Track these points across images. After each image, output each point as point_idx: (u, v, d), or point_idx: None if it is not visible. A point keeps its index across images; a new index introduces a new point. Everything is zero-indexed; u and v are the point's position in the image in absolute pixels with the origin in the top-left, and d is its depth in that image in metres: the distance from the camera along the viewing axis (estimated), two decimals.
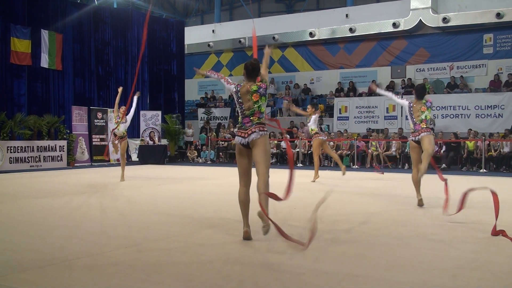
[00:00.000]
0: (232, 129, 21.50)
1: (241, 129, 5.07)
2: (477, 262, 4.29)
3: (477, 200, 8.53)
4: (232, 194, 9.02)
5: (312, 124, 11.83)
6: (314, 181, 11.47)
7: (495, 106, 17.88)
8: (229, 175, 13.24)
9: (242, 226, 5.13)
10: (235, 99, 5.16)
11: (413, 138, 7.56)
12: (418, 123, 7.59)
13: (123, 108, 11.53)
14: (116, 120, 11.42)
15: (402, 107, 7.87)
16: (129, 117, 11.73)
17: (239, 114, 5.14)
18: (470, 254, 4.54)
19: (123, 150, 11.75)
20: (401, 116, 19.49)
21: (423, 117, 7.61)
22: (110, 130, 18.96)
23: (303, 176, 11.97)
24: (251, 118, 5.05)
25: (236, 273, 3.91)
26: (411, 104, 7.69)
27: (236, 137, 5.11)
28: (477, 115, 18.18)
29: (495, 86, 19.22)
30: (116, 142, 11.50)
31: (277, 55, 25.49)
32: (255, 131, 4.99)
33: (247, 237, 5.05)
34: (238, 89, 5.12)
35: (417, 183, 7.55)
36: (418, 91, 7.76)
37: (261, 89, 5.06)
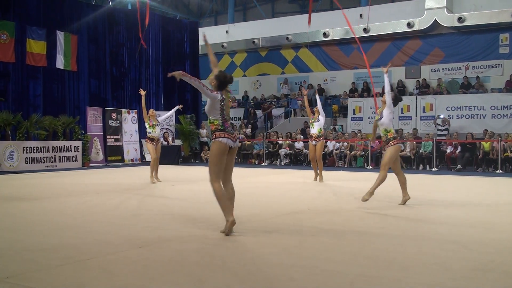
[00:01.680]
0: (244, 130, 21.53)
1: (227, 132, 5.49)
2: (493, 263, 4.24)
3: (489, 200, 8.45)
4: (245, 195, 9.04)
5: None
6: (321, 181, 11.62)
7: (511, 107, 17.68)
8: (242, 176, 13.24)
9: (226, 220, 5.33)
10: (218, 106, 5.49)
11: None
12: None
13: (152, 111, 11.66)
14: (151, 124, 11.48)
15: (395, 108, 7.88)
16: (161, 119, 11.97)
17: (219, 119, 5.51)
18: (486, 256, 4.49)
19: (158, 152, 11.75)
20: (415, 116, 19.37)
21: None
22: (123, 131, 19.16)
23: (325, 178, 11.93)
24: (230, 122, 5.67)
25: (249, 274, 3.91)
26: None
27: (223, 138, 5.44)
28: (493, 116, 17.99)
29: None
30: (155, 146, 11.57)
31: (290, 55, 25.47)
32: (238, 137, 5.67)
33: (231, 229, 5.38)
34: (223, 97, 5.52)
35: (405, 183, 7.64)
36: (396, 100, 7.86)
37: (232, 96, 5.36)
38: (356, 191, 9.65)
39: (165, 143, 19.71)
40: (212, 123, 5.55)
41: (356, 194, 9.18)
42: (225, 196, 5.44)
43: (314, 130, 11.75)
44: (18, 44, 16.60)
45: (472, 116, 18.39)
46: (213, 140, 5.51)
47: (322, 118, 11.70)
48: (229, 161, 5.56)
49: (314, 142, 11.73)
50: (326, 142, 12.21)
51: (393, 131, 7.66)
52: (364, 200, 7.50)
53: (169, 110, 21.01)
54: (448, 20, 20.30)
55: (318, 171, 11.84)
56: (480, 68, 20.55)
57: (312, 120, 11.81)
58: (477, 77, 20.06)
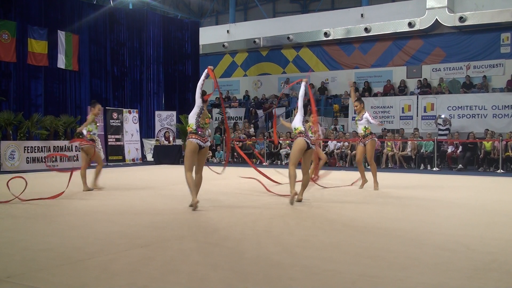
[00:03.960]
0: (247, 129, 21.52)
1: (198, 135, 7.02)
2: (495, 263, 4.23)
3: (490, 199, 8.44)
4: (246, 194, 9.04)
5: (365, 122, 10.09)
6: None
7: None
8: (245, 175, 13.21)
9: (192, 199, 6.90)
10: (198, 110, 7.21)
11: (309, 141, 7.74)
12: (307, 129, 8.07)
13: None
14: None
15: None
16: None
17: (194, 123, 7.11)
18: (488, 255, 4.48)
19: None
20: (417, 116, 19.39)
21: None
22: (124, 131, 19.17)
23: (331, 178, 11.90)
24: (203, 129, 7.11)
25: (251, 273, 3.90)
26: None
27: (193, 139, 6.97)
28: (494, 115, 18.00)
29: None
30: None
31: (291, 55, 25.47)
32: (208, 141, 7.13)
33: (196, 206, 6.87)
34: (203, 106, 7.25)
35: (294, 178, 7.68)
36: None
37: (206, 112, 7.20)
38: (358, 191, 9.65)
39: (166, 142, 19.73)
40: (188, 126, 7.12)
41: (357, 194, 9.18)
42: (193, 182, 6.92)
43: (359, 129, 10.28)
44: (19, 44, 16.62)
45: (474, 115, 18.39)
46: (187, 139, 7.00)
47: (364, 118, 10.15)
48: (200, 157, 7.08)
49: (361, 143, 10.20)
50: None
51: (301, 128, 7.81)
52: (298, 200, 7.81)
53: (170, 110, 21.14)
54: (449, 20, 20.29)
55: (364, 176, 10.32)
56: (481, 68, 20.53)
57: (357, 119, 10.39)
58: (484, 76, 19.98)
